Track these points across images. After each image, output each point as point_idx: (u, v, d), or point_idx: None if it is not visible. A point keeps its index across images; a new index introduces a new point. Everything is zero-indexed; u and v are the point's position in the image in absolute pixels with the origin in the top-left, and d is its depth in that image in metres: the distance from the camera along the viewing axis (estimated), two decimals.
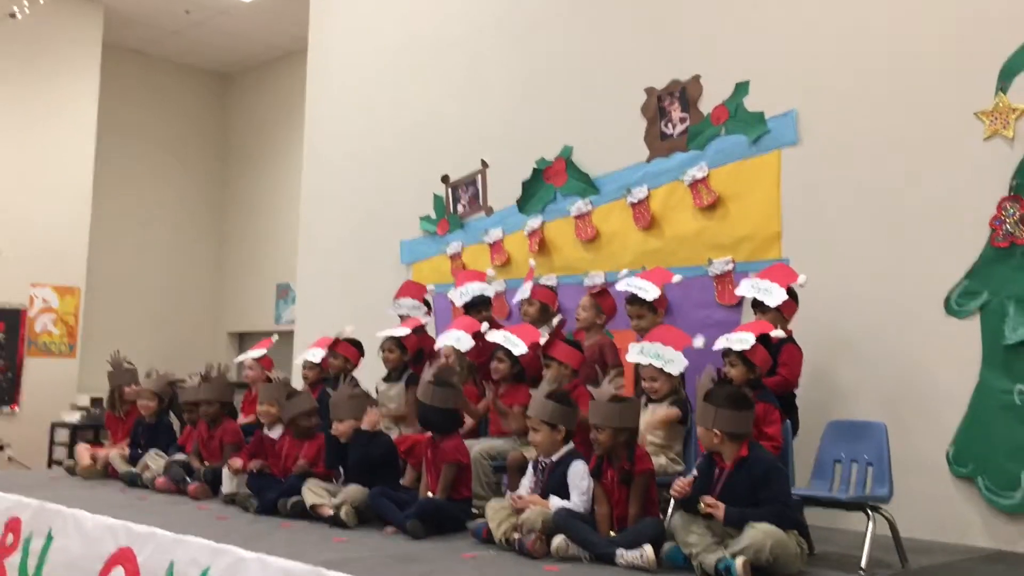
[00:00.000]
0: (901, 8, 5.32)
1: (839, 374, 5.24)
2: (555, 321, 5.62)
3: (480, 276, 6.26)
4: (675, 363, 4.49)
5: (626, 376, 5.13)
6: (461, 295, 5.97)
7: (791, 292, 4.85)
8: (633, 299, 5.08)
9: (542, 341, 5.11)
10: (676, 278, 5.25)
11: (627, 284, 5.13)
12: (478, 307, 5.95)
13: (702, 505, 3.57)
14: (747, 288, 4.88)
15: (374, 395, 5.57)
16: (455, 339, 5.51)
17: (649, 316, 5.05)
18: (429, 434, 4.75)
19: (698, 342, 4.59)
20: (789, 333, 4.81)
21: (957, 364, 4.85)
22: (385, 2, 8.50)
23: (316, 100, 9.14)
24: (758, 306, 4.88)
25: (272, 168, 12.13)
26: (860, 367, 5.17)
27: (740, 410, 3.70)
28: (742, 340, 4.29)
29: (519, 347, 5.12)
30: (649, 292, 5.05)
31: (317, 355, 6.22)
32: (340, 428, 4.91)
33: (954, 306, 4.93)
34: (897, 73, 5.27)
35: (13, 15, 9.80)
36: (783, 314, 4.83)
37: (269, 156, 12.20)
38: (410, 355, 5.91)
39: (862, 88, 5.38)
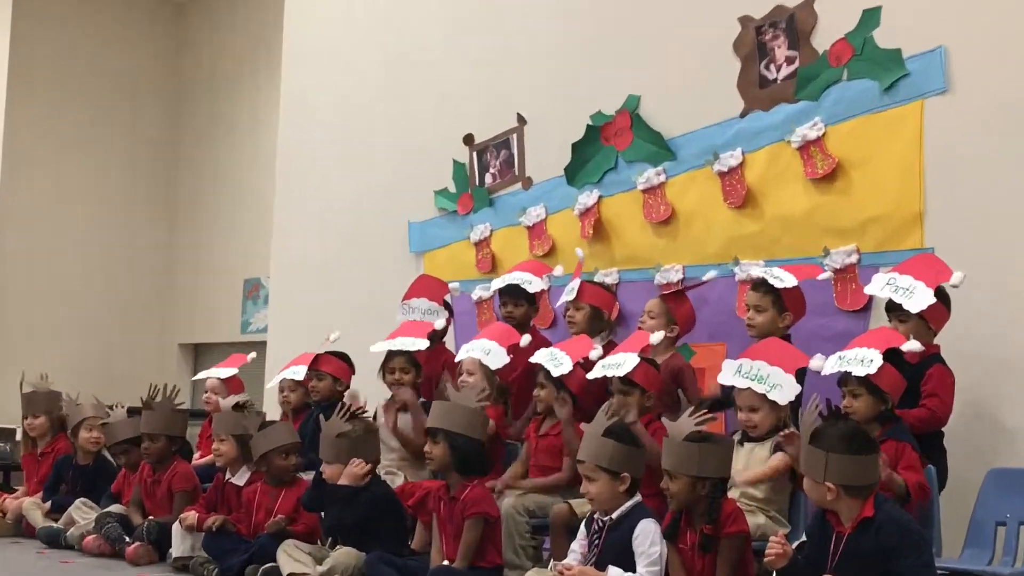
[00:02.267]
0: None
1: (1003, 406, 5.18)
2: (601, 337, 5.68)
3: (542, 269, 6.31)
4: (783, 389, 4.48)
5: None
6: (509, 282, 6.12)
7: (941, 294, 4.81)
8: (760, 285, 5.12)
9: (597, 356, 5.14)
10: (824, 275, 5.25)
11: (759, 270, 5.22)
12: (519, 305, 6.06)
13: None
14: (881, 286, 4.86)
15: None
16: (483, 351, 5.56)
17: (770, 315, 5.08)
18: (443, 482, 4.79)
19: (817, 363, 4.58)
20: (936, 350, 4.78)
21: None
22: None
23: (297, 33, 9.22)
24: (894, 312, 4.86)
25: (239, 126, 12.20)
26: None
27: (860, 454, 3.69)
28: (864, 361, 4.28)
29: (562, 365, 5.15)
30: (785, 280, 5.08)
31: (299, 373, 6.29)
32: (329, 472, 4.96)
33: None
34: None
35: None
36: (928, 324, 4.80)
37: (235, 110, 12.28)
38: (423, 376, 5.98)
39: None
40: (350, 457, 4.94)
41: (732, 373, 4.60)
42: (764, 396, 4.49)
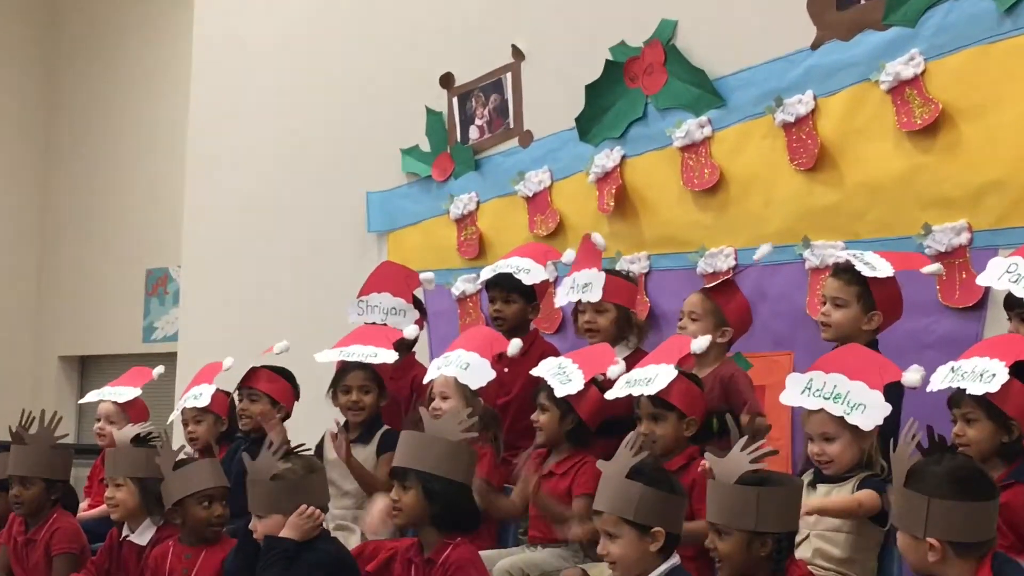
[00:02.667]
0: None
1: None
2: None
3: (547, 254, 6.30)
4: (869, 411, 4.46)
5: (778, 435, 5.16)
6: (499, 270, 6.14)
7: None
8: (844, 271, 5.11)
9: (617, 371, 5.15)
10: (932, 267, 5.26)
11: (841, 254, 5.24)
12: (511, 302, 6.08)
13: None
14: (999, 274, 4.84)
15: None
16: (460, 366, 5.54)
17: (852, 312, 5.06)
18: (414, 539, 4.76)
19: (913, 376, 4.58)
20: None
21: None
22: None
23: None
24: (1015, 309, 4.86)
25: (138, 79, 12.23)
26: None
27: (976, 500, 3.67)
28: (983, 375, 4.27)
29: (571, 382, 5.15)
30: (878, 268, 5.06)
31: (203, 395, 6.29)
32: (264, 528, 4.95)
33: None
34: None
35: None
36: None
37: (133, 58, 12.31)
38: (387, 398, 5.98)
39: None
40: (292, 505, 4.92)
41: (799, 391, 4.59)
42: (843, 421, 4.47)
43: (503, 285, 6.14)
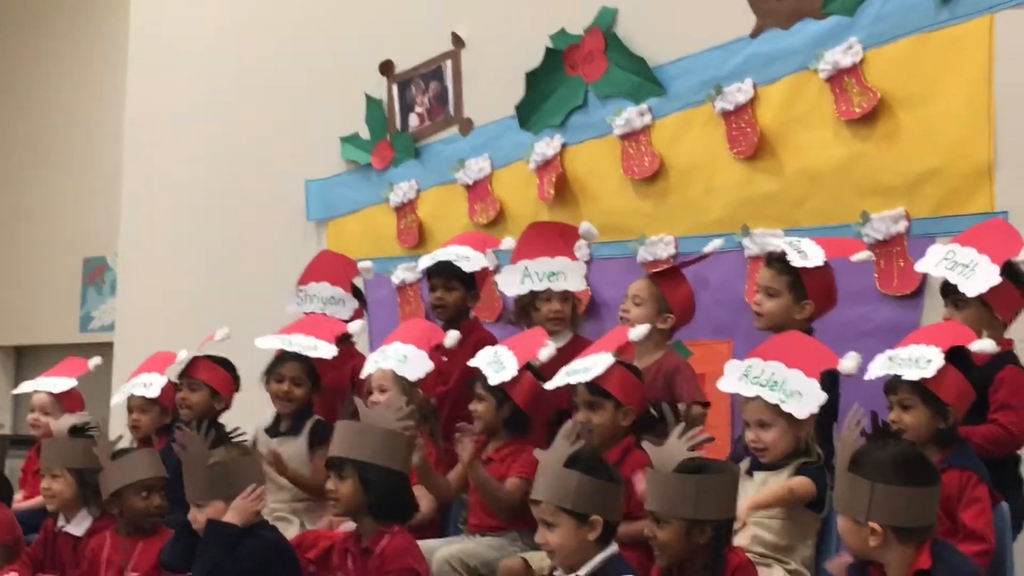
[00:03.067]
0: None
1: None
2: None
3: (486, 242, 6.29)
4: (804, 399, 4.48)
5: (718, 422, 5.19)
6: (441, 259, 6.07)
7: (1014, 273, 4.85)
8: (776, 260, 5.14)
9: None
10: (861, 255, 5.29)
11: (778, 242, 5.26)
12: (452, 289, 6.05)
13: None
14: (936, 261, 4.90)
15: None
16: (398, 359, 5.53)
17: (783, 302, 5.09)
18: (352, 526, 4.76)
19: (848, 364, 4.60)
20: (1008, 346, 4.81)
21: None
22: None
23: None
24: (950, 296, 4.89)
25: (75, 64, 12.13)
26: None
27: (917, 486, 3.69)
28: (919, 362, 4.30)
29: (506, 368, 5.16)
30: (810, 257, 5.08)
31: (153, 385, 6.25)
32: (204, 516, 4.91)
33: None
34: None
35: None
36: (995, 312, 4.83)
37: (68, 44, 12.21)
38: (322, 390, 5.96)
39: None
40: (232, 490, 4.89)
41: (737, 377, 4.61)
42: (778, 408, 4.49)
43: (444, 273, 6.12)
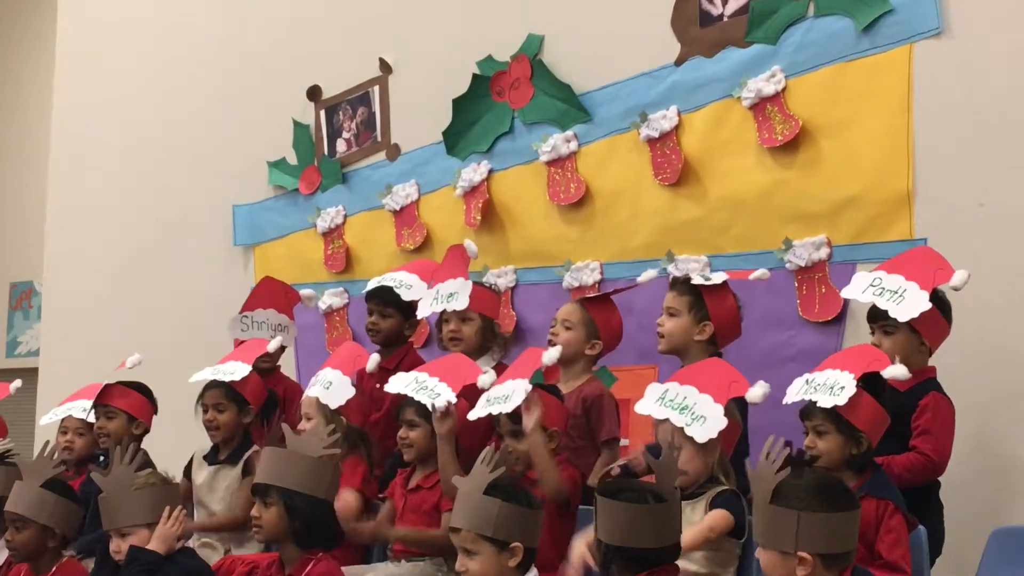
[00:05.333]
0: None
1: (1018, 447, 5.28)
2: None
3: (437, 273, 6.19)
4: (707, 423, 4.49)
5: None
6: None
7: (939, 300, 4.87)
8: (679, 283, 5.21)
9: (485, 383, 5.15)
10: (757, 273, 5.32)
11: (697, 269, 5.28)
12: (387, 316, 6.05)
13: None
14: (864, 288, 4.91)
15: (181, 483, 5.57)
16: (323, 385, 5.51)
17: (682, 322, 5.13)
18: (274, 554, 4.74)
19: (756, 392, 4.59)
20: (932, 373, 4.85)
21: None
22: None
23: None
24: (878, 322, 4.91)
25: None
26: None
27: (840, 511, 3.70)
28: (833, 388, 4.31)
29: (440, 396, 5.14)
30: (713, 277, 5.17)
31: (90, 413, 6.14)
32: (126, 544, 4.87)
33: None
34: None
35: None
36: (922, 338, 4.86)
37: None
38: (255, 415, 5.90)
39: None
40: (155, 518, 4.86)
41: (654, 400, 4.61)
42: (683, 432, 4.48)
43: (381, 297, 6.12)
